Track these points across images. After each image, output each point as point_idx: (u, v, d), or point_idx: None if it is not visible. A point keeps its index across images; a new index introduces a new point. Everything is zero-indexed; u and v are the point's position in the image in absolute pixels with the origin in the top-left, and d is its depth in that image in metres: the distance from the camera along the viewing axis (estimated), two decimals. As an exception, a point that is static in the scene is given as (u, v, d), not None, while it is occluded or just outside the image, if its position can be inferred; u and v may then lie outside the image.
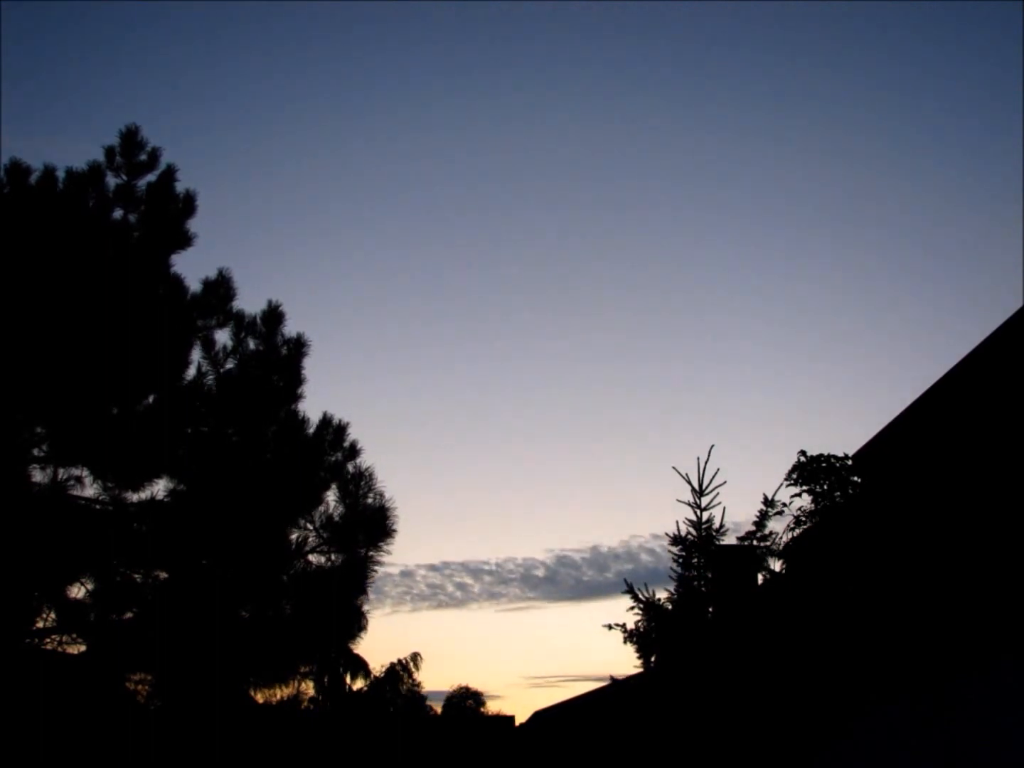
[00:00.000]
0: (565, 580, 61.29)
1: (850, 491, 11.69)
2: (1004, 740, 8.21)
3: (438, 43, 57.12)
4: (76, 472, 10.09)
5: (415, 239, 64.78)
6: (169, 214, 11.01)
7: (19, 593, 9.77)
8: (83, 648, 10.31)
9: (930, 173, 56.95)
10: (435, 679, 51.10)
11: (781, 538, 11.78)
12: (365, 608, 10.78)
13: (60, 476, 10.03)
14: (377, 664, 30.37)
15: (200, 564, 10.35)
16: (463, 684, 41.25)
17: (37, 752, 9.51)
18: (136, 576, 10.15)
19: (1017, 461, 9.01)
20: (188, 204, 11.13)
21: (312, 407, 11.42)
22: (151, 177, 11.07)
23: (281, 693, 11.44)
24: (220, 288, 11.22)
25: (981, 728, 8.50)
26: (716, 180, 58.43)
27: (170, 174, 11.12)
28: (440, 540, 64.58)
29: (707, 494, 12.12)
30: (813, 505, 11.75)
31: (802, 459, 11.92)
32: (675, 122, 57.18)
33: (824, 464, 11.82)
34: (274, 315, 11.36)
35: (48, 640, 10.21)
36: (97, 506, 10.18)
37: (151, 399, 10.62)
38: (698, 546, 11.91)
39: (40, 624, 10.09)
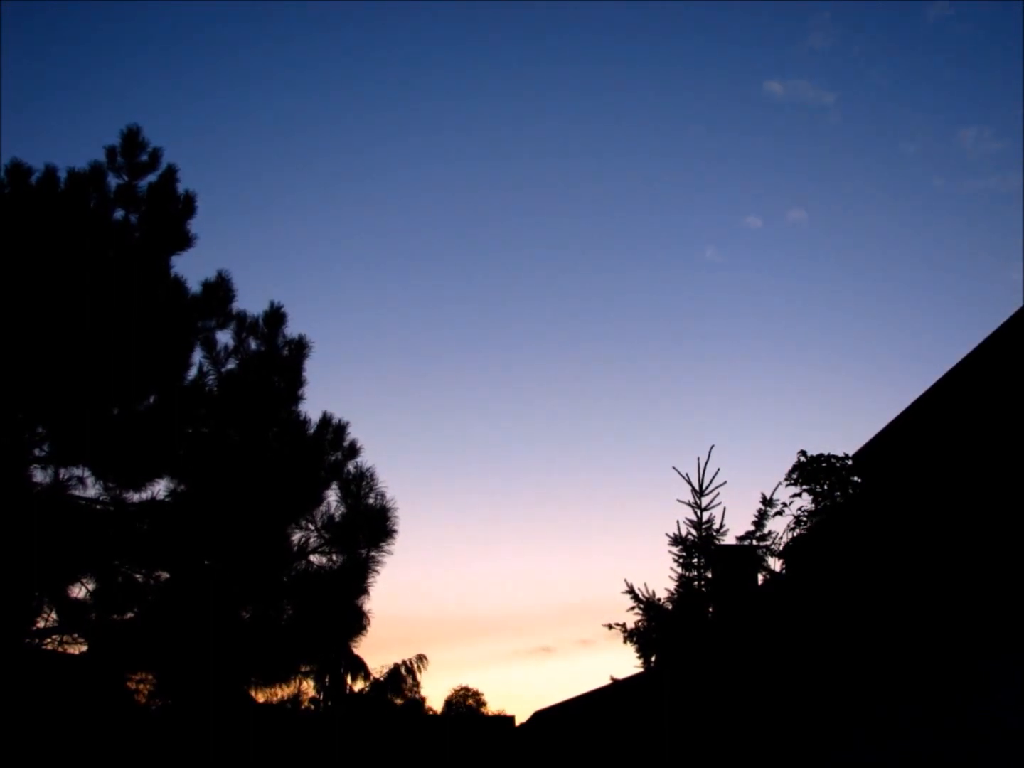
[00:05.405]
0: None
1: (850, 491, 11.72)
2: (1006, 739, 8.22)
3: (445, 43, 57.08)
4: (77, 472, 10.10)
5: (416, 239, 64.84)
6: (170, 215, 11.02)
7: (20, 593, 9.77)
8: (84, 648, 10.32)
9: (930, 172, 57.00)
10: (439, 664, 50.81)
11: (781, 538, 11.82)
12: (366, 607, 10.80)
13: (61, 476, 10.04)
14: (378, 663, 30.28)
15: (201, 564, 10.36)
16: (463, 684, 41.32)
17: (37, 752, 9.51)
18: (137, 576, 10.16)
19: (1017, 461, 9.02)
20: (188, 205, 11.14)
21: (312, 407, 11.46)
22: (152, 178, 11.09)
23: (281, 693, 11.47)
24: (220, 290, 11.24)
25: (982, 728, 8.51)
26: (716, 180, 58.48)
27: (171, 175, 11.14)
28: (440, 539, 64.52)
29: (707, 494, 12.16)
30: (813, 505, 11.79)
31: (802, 459, 11.97)
32: (676, 120, 57.23)
33: (824, 464, 11.86)
34: (276, 316, 11.38)
35: (49, 640, 10.21)
36: (98, 506, 10.18)
37: (152, 399, 10.63)
38: (698, 546, 11.94)
39: (41, 624, 10.09)
